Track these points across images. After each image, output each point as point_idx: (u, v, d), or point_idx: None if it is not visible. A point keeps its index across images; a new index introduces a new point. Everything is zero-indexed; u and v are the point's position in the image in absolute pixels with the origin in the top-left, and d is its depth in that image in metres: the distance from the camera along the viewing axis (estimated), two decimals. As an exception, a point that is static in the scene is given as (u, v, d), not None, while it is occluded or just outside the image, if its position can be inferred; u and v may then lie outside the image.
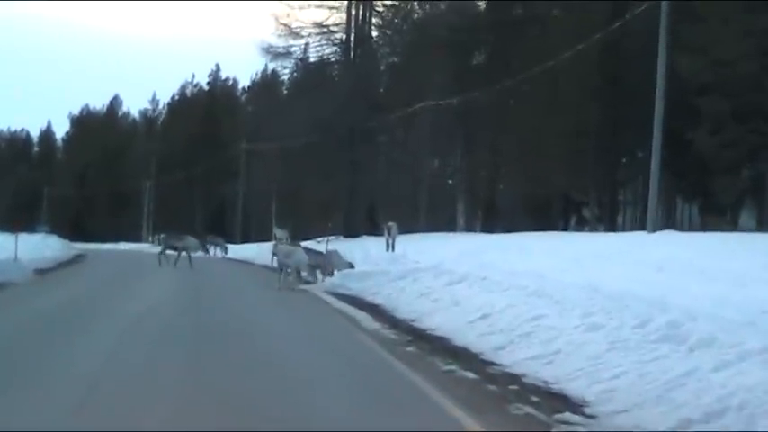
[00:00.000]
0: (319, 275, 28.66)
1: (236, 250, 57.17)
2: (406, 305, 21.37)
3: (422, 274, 24.80)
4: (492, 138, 54.49)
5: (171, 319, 17.69)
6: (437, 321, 18.05)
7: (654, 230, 33.59)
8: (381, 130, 61.66)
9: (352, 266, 28.37)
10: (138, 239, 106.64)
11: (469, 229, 55.40)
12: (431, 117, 56.71)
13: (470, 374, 12.19)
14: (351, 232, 52.93)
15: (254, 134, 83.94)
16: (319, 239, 55.98)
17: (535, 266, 23.44)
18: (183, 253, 37.73)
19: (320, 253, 30.84)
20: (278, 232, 67.07)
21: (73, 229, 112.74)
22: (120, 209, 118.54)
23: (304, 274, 28.10)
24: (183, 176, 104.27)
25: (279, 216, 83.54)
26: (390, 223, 36.97)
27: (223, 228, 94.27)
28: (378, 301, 23.30)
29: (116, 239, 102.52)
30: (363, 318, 19.36)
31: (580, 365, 12.20)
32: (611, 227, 48.10)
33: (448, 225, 55.57)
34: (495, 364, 13.08)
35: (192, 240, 39.47)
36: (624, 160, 50.61)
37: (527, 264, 24.38)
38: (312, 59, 59.83)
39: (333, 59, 60.19)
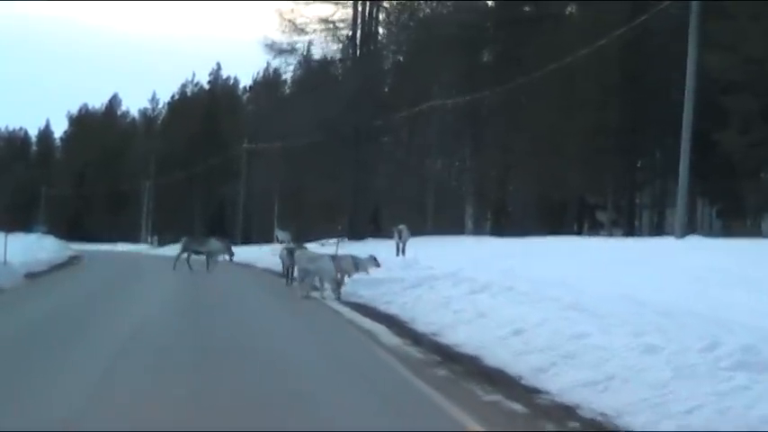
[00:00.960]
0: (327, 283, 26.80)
1: (237, 252, 55.28)
2: (424, 316, 19.76)
3: (439, 281, 23.13)
4: (503, 137, 52.83)
5: (169, 336, 15.83)
6: (462, 336, 16.43)
7: (682, 236, 31.92)
8: (387, 130, 60.02)
9: (377, 264, 26.41)
10: (136, 240, 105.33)
11: (478, 232, 53.71)
12: (438, 116, 55.06)
13: (518, 406, 10.53)
14: (356, 235, 51.24)
15: (255, 133, 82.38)
16: (323, 242, 54.38)
17: (562, 274, 21.81)
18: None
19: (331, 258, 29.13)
20: (280, 234, 65.39)
21: (71, 229, 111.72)
22: (119, 209, 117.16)
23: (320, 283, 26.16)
24: (183, 176, 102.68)
25: (281, 217, 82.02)
26: (401, 226, 35.27)
27: (224, 229, 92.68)
28: (392, 310, 21.68)
29: (114, 240, 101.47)
30: (381, 331, 17.70)
31: (642, 395, 10.53)
32: (629, 231, 46.34)
33: (456, 228, 53.84)
34: (542, 392, 11.45)
35: (215, 244, 37.59)
36: (638, 163, 48.79)
37: (553, 271, 22.74)
38: (317, 56, 58.10)
39: (338, 56, 58.42)
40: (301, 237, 73.12)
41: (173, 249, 76.27)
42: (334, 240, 53.54)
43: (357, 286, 25.19)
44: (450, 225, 54.82)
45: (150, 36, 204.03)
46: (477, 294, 20.25)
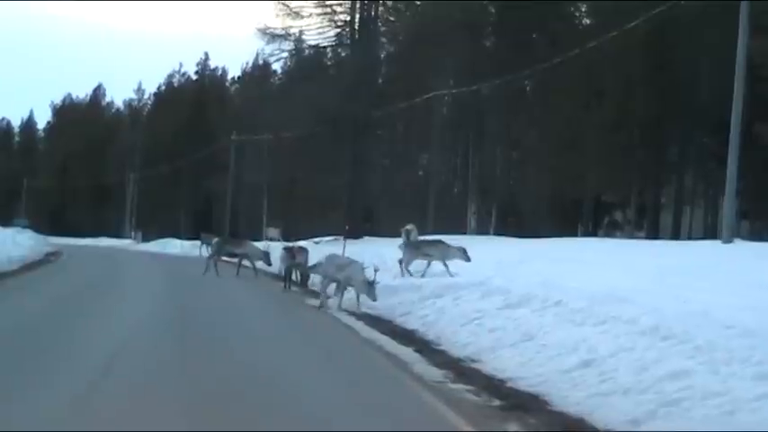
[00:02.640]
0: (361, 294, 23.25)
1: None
2: (453, 334, 16.86)
3: (464, 291, 20.04)
4: (512, 130, 49.90)
5: (154, 364, 12.57)
6: (510, 364, 13.50)
7: (728, 240, 28.86)
8: (386, 122, 56.81)
9: (466, 257, 23.43)
10: (120, 235, 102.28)
11: (482, 231, 50.57)
12: (440, 107, 52.03)
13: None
14: (352, 233, 47.97)
15: (245, 125, 79.27)
16: (317, 239, 51.38)
17: (609, 285, 18.72)
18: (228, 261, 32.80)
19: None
20: (269, 231, 62.29)
21: (53, 223, 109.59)
22: (103, 202, 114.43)
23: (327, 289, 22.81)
24: (169, 170, 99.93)
25: (270, 213, 78.98)
26: (409, 226, 31.99)
27: (210, 225, 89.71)
28: (411, 325, 18.77)
29: (97, 234, 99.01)
30: (409, 356, 14.61)
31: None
32: (653, 233, 43.11)
33: (457, 227, 50.67)
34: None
35: (253, 247, 33.67)
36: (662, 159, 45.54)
37: (597, 281, 19.64)
38: (313, 42, 54.76)
39: (336, 42, 55.14)
40: (292, 234, 70.43)
41: (157, 245, 73.66)
42: (329, 238, 50.58)
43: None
44: (450, 224, 51.62)
45: (137, 25, 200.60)
46: (514, 309, 17.30)
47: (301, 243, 35.10)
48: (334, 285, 21.87)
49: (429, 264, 25.92)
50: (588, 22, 45.12)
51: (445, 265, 25.34)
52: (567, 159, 41.98)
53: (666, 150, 44.61)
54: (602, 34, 36.89)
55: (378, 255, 30.09)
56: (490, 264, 26.19)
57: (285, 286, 26.63)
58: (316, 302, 22.68)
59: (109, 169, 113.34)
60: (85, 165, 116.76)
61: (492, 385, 12.12)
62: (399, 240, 36.51)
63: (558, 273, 22.59)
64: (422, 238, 32.50)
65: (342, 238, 47.99)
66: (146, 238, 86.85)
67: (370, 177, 52.96)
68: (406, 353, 14.93)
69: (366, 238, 48.58)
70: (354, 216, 51.50)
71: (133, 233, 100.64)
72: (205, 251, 51.07)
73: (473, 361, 14.24)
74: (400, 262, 25.81)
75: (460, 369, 13.34)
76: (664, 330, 12.62)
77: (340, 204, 60.60)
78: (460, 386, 11.97)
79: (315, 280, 25.92)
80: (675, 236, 42.86)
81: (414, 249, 26.31)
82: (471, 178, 52.77)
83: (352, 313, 20.28)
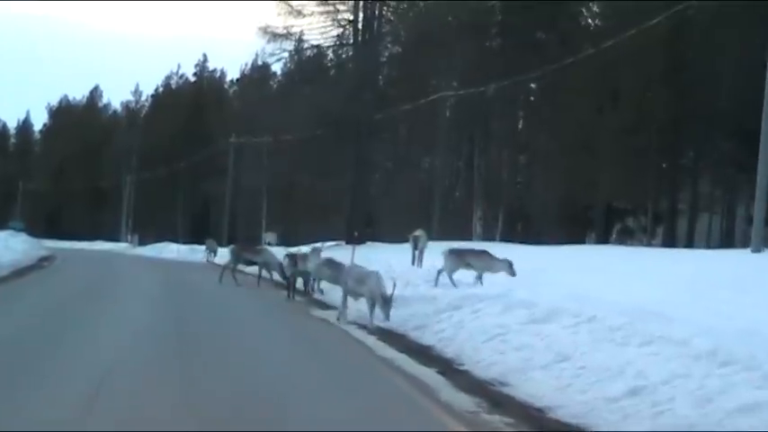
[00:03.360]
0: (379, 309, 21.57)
1: (224, 254, 50.77)
2: (473, 351, 15.46)
3: (483, 304, 18.58)
4: (521, 133, 48.51)
5: (145, 395, 11.15)
6: (544, 389, 12.23)
7: (758, 249, 27.40)
8: (389, 125, 55.31)
9: (512, 271, 22.11)
10: (116, 238, 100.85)
11: (487, 238, 49.08)
12: (445, 109, 50.60)
13: None
14: (353, 238, 46.49)
15: (244, 128, 77.82)
16: (319, 244, 49.86)
17: (643, 298, 17.37)
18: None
19: (340, 265, 24.54)
20: (266, 236, 60.85)
21: (48, 226, 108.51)
22: (99, 205, 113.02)
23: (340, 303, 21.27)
24: (166, 172, 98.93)
25: (269, 217, 77.66)
26: (418, 232, 30.64)
27: (208, 228, 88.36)
28: (427, 340, 17.39)
29: (93, 238, 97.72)
30: (432, 378, 13.24)
31: None
32: (669, 240, 41.53)
33: (461, 233, 49.17)
34: None
35: (271, 255, 31.04)
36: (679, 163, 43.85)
37: (629, 293, 18.24)
38: (315, 42, 53.26)
39: (338, 42, 53.62)
40: (291, 238, 69.01)
41: (153, 249, 72.15)
42: (331, 243, 49.13)
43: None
44: (454, 229, 50.19)
45: (134, 26, 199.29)
46: (541, 325, 15.89)
47: (303, 249, 33.46)
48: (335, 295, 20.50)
49: (480, 276, 24.11)
50: (598, 22, 43.42)
51: (480, 277, 23.80)
52: (579, 163, 40.46)
53: (682, 155, 43.01)
54: (617, 33, 35.35)
55: (383, 261, 28.66)
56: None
57: (289, 295, 25.20)
58: (322, 314, 21.32)
59: (105, 172, 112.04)
60: (82, 167, 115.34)
61: (531, 416, 10.75)
62: (404, 246, 35.23)
63: (582, 283, 21.18)
64: (430, 243, 31.15)
65: (344, 243, 46.75)
66: (142, 242, 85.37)
67: (373, 181, 51.47)
68: (428, 374, 13.53)
69: (368, 243, 47.09)
70: (356, 220, 50.03)
71: (130, 237, 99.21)
72: (211, 257, 49.70)
73: (502, 384, 12.90)
74: (439, 272, 24.16)
75: (491, 395, 11.93)
76: (723, 354, 11.21)
77: (341, 208, 59.24)
78: (496, 417, 10.56)
79: (320, 285, 24.64)
80: (690, 243, 41.35)
81: (456, 258, 24.53)
82: (477, 182, 51.29)
83: (362, 326, 18.85)
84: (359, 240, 45.34)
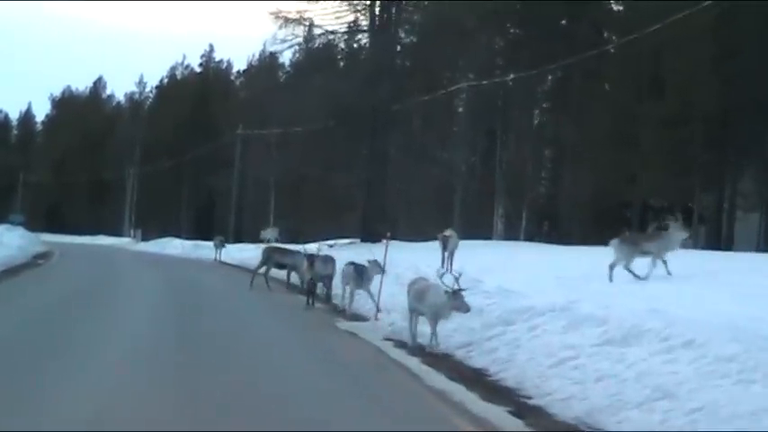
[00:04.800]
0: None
1: (231, 252, 48.27)
2: (539, 379, 12.95)
3: (542, 318, 15.97)
4: (548, 126, 45.83)
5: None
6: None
7: None
8: (406, 116, 52.66)
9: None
10: (118, 233, 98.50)
11: (509, 237, 46.43)
12: (465, 101, 48.00)
13: None
14: (369, 236, 43.80)
15: (251, 119, 75.28)
16: (330, 243, 47.36)
17: (724, 312, 14.84)
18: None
19: (362, 267, 21.90)
20: (265, 233, 57.90)
21: (49, 220, 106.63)
22: (101, 199, 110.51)
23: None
24: (170, 165, 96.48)
25: (277, 212, 75.13)
26: (447, 232, 27.96)
27: (212, 223, 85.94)
28: (477, 361, 14.95)
29: (95, 232, 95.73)
30: (504, 420, 10.65)
31: None
32: (714, 241, 38.45)
33: (481, 232, 46.42)
34: None
35: (302, 258, 26.34)
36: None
37: (704, 306, 15.71)
38: (330, 28, 50.52)
39: (353, 28, 50.93)
40: (300, 235, 66.33)
41: (157, 245, 69.64)
42: (345, 241, 46.57)
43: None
44: (473, 227, 47.42)
45: (139, 16, 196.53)
46: (621, 348, 13.37)
47: (323, 248, 30.75)
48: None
49: (654, 263, 21.18)
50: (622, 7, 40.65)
51: (664, 261, 20.89)
52: (615, 157, 37.64)
53: (730, 150, 40.05)
54: (649, 20, 32.49)
55: (407, 263, 26.04)
56: (548, 279, 22.04)
57: (308, 302, 22.48)
58: (349, 326, 18.72)
59: (108, 165, 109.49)
60: (84, 159, 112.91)
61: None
62: (426, 245, 32.50)
63: (644, 293, 18.53)
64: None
65: (359, 241, 44.11)
66: (145, 237, 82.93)
67: (389, 175, 48.74)
68: (499, 415, 10.88)
69: (384, 241, 44.36)
70: (373, 217, 47.39)
71: (132, 231, 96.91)
72: (220, 255, 47.14)
73: (590, 427, 10.31)
74: (611, 267, 21.30)
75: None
76: None
77: (354, 204, 56.73)
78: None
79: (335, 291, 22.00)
80: (729, 245, 38.60)
81: (631, 246, 21.54)
82: (498, 177, 48.59)
83: (400, 343, 16.23)
84: (374, 238, 42.73)
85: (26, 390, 10.55)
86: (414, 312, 16.11)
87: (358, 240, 43.92)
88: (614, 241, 21.91)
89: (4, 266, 30.07)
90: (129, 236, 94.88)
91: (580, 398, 11.67)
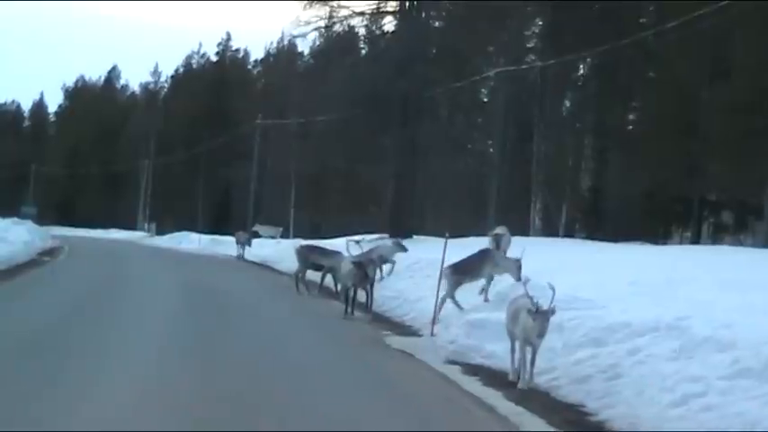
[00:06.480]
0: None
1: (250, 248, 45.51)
2: (658, 420, 10.29)
3: (642, 339, 13.15)
4: (591, 114, 42.95)
5: None
6: None
7: None
8: (440, 104, 49.88)
9: None
10: (132, 226, 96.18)
11: (548, 233, 43.52)
12: (503, 87, 45.21)
13: None
14: (398, 231, 40.95)
15: (270, 109, 72.70)
16: (357, 239, 44.49)
17: None
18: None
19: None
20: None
21: (61, 212, 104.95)
22: (115, 191, 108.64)
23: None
24: (186, 157, 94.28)
25: (297, 205, 72.53)
26: (499, 229, 25.00)
27: (229, 217, 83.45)
28: (568, 393, 12.05)
29: (108, 225, 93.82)
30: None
31: None
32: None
33: (516, 227, 43.43)
34: None
35: (341, 258, 23.67)
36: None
37: None
38: (358, 9, 47.64)
39: (379, 10, 48.08)
40: (319, 231, 63.77)
41: (172, 239, 67.10)
42: (373, 237, 43.73)
43: (479, 334, 15.09)
44: (506, 223, 44.44)
45: (154, 4, 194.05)
46: (764, 383, 10.35)
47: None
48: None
49: None
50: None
51: None
52: (673, 147, 34.56)
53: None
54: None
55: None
56: (619, 284, 18.88)
57: (347, 311, 19.53)
58: (400, 343, 15.83)
59: (122, 156, 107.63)
60: (97, 151, 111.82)
61: None
62: (463, 242, 29.67)
63: (749, 306, 15.51)
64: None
65: (387, 236, 41.19)
66: (160, 231, 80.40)
67: (420, 167, 45.91)
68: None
69: (415, 237, 41.68)
70: (401, 211, 44.58)
71: (147, 225, 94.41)
72: (243, 252, 44.43)
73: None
74: None
75: None
76: None
77: (380, 197, 54.07)
78: None
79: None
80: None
81: None
82: (535, 170, 45.66)
83: (459, 363, 13.34)
84: (404, 233, 39.95)
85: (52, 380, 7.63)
86: (513, 338, 13.02)
87: (386, 236, 40.96)
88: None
89: (5, 266, 27.25)
90: (144, 229, 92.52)
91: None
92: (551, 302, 12.33)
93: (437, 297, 17.92)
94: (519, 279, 17.41)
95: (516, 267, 18.60)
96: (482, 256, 19.97)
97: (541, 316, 12.17)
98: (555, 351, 13.39)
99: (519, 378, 12.55)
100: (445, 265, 18.74)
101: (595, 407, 11.42)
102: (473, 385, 12.40)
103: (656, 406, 10.80)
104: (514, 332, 12.70)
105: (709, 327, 12.58)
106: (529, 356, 12.46)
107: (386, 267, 26.16)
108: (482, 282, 19.46)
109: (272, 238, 49.63)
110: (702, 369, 11.33)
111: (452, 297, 18.82)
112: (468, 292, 19.31)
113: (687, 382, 11.13)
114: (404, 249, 27.67)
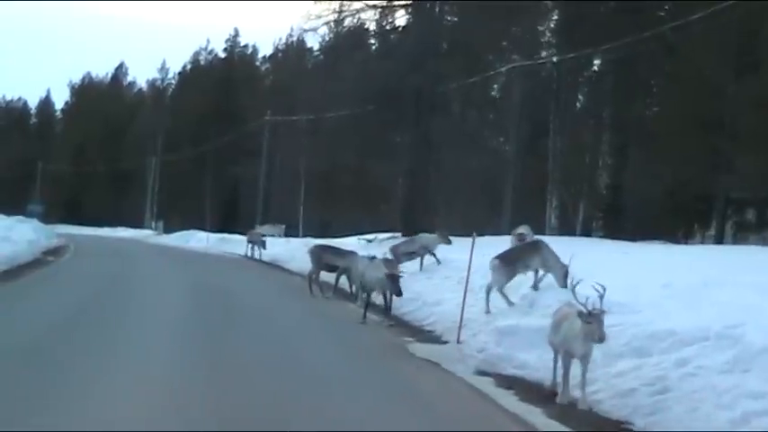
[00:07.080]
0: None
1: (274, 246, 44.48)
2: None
3: (690, 349, 12.48)
4: (609, 109, 41.86)
5: None
6: None
7: None
8: (453, 99, 48.82)
9: None
10: (140, 224, 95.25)
11: (565, 231, 42.43)
12: (518, 82, 44.22)
13: None
14: (411, 230, 39.90)
15: (279, 106, 71.68)
16: (369, 237, 43.59)
17: None
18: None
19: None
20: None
21: (68, 210, 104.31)
22: (122, 189, 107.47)
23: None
24: (193, 154, 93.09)
25: (306, 203, 71.56)
26: (521, 229, 24.15)
27: (237, 215, 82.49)
28: (608, 407, 11.30)
29: (115, 224, 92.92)
30: None
31: None
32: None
33: (534, 226, 42.38)
34: None
35: (358, 261, 22.78)
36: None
37: None
38: (370, 3, 46.58)
39: (399, 4, 47.12)
40: (329, 229, 62.81)
41: (180, 237, 66.23)
42: (385, 236, 42.81)
43: (509, 342, 14.09)
44: (521, 221, 43.39)
45: (162, 9, 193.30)
46: None
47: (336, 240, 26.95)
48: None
49: None
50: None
51: None
52: (697, 143, 33.45)
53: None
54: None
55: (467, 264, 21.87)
56: (652, 287, 17.74)
57: (364, 316, 18.49)
58: (424, 351, 14.82)
59: (129, 154, 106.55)
60: (104, 148, 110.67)
61: None
62: (479, 241, 28.61)
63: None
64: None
65: (400, 235, 40.23)
66: (167, 230, 79.39)
67: (433, 164, 44.89)
68: None
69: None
70: (414, 209, 43.52)
71: (154, 223, 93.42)
72: (257, 252, 43.42)
73: None
74: None
75: None
76: None
77: (391, 195, 53.08)
78: None
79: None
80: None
81: None
82: (551, 166, 44.61)
83: (490, 374, 12.35)
84: (413, 231, 38.91)
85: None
86: (555, 349, 12.07)
87: (399, 235, 40.02)
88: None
89: (7, 266, 26.30)
90: (151, 228, 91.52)
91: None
92: (600, 305, 11.38)
93: (463, 300, 16.87)
94: (564, 286, 16.54)
95: (563, 274, 17.62)
96: (533, 246, 19.20)
97: (596, 318, 11.16)
98: (594, 361, 12.35)
99: (560, 391, 11.58)
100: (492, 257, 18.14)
101: (643, 424, 10.50)
102: (508, 399, 11.43)
103: (713, 424, 9.83)
104: (555, 343, 11.71)
105: (765, 335, 11.58)
106: (579, 370, 11.45)
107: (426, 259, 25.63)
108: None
109: (273, 237, 48.45)
110: (763, 384, 10.37)
111: (501, 290, 17.94)
112: (494, 296, 18.30)
113: (747, 399, 10.18)
114: (448, 241, 26.72)
